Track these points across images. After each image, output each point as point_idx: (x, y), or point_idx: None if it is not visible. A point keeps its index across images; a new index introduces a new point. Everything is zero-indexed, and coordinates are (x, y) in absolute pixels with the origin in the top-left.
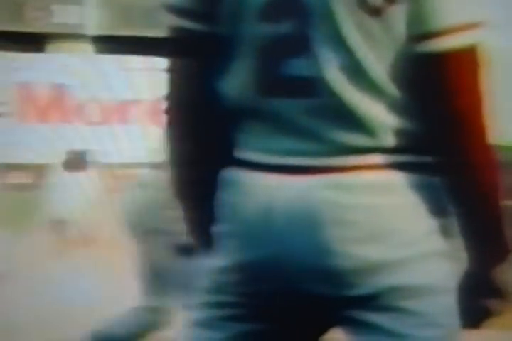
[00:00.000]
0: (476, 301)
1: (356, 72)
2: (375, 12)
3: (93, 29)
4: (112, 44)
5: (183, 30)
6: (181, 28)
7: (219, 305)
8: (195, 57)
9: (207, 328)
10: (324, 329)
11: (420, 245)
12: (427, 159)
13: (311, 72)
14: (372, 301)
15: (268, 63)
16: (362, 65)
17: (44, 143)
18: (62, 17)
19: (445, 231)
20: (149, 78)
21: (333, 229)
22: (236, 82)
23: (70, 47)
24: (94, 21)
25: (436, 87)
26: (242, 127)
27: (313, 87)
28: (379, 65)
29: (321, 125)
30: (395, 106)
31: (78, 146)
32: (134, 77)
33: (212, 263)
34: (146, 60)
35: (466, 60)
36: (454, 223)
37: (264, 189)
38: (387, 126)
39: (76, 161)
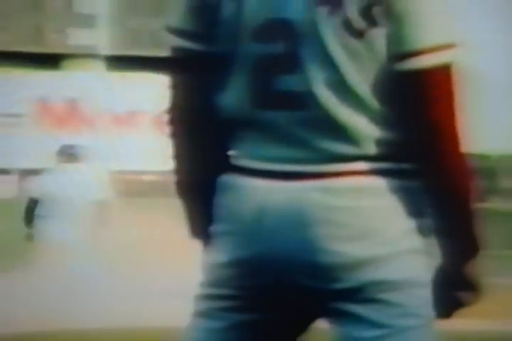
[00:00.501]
0: (449, 293)
1: (342, 87)
2: (359, 34)
3: (104, 49)
4: (121, 62)
5: (183, 49)
6: (182, 47)
7: (217, 297)
8: (195, 73)
9: (207, 318)
10: (312, 320)
11: (399, 243)
12: (406, 166)
13: (301, 87)
14: (356, 294)
15: (261, 79)
16: (347, 81)
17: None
18: (77, 39)
19: (421, 231)
20: (154, 92)
21: (320, 228)
22: (233, 95)
23: (84, 65)
24: (105, 42)
25: (414, 100)
26: (238, 137)
27: (302, 101)
28: (362, 81)
29: (310, 135)
30: (377, 118)
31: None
32: (141, 92)
33: (211, 260)
34: (152, 76)
35: (440, 77)
36: (429, 223)
37: (258, 192)
38: (370, 136)
39: (67, 154)
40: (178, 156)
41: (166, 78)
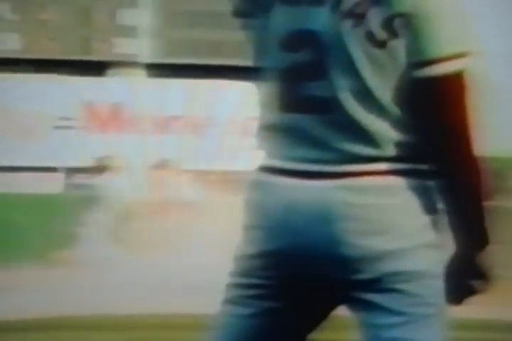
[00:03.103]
0: (461, 281)
1: (364, 93)
2: (381, 44)
3: (146, 58)
4: (161, 70)
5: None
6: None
7: (246, 286)
8: None
9: (236, 305)
10: (333, 308)
11: (415, 237)
12: (423, 166)
13: (326, 93)
14: (375, 284)
15: (289, 85)
16: (369, 88)
17: (104, 150)
18: (121, 48)
19: (435, 226)
20: (191, 97)
21: (342, 223)
22: (263, 101)
23: (127, 72)
24: (146, 51)
25: (430, 105)
26: (268, 138)
27: (327, 106)
28: (383, 87)
29: (334, 137)
30: (396, 122)
31: (133, 153)
32: (179, 97)
33: (241, 251)
34: (189, 82)
35: (455, 84)
36: (442, 219)
37: (286, 190)
38: (390, 138)
39: (100, 166)
40: None
41: (203, 84)
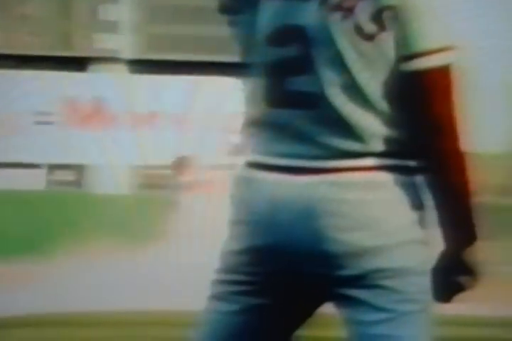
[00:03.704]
0: (450, 278)
1: (352, 88)
2: (369, 37)
3: (127, 53)
4: (142, 66)
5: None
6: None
7: (231, 282)
8: None
9: (221, 301)
10: (318, 305)
11: (401, 234)
12: (410, 162)
13: (312, 87)
14: (360, 280)
15: (276, 81)
16: (357, 82)
17: (84, 146)
18: (102, 43)
19: (421, 222)
20: (172, 93)
21: (326, 219)
22: (252, 95)
23: (108, 68)
24: (128, 47)
25: (417, 99)
26: (253, 133)
27: (314, 101)
28: (372, 82)
29: (320, 132)
30: (384, 118)
31: (117, 149)
32: (160, 93)
33: (226, 247)
34: (170, 79)
35: (441, 77)
36: (429, 215)
37: (270, 185)
38: (376, 134)
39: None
40: None
41: (184, 80)
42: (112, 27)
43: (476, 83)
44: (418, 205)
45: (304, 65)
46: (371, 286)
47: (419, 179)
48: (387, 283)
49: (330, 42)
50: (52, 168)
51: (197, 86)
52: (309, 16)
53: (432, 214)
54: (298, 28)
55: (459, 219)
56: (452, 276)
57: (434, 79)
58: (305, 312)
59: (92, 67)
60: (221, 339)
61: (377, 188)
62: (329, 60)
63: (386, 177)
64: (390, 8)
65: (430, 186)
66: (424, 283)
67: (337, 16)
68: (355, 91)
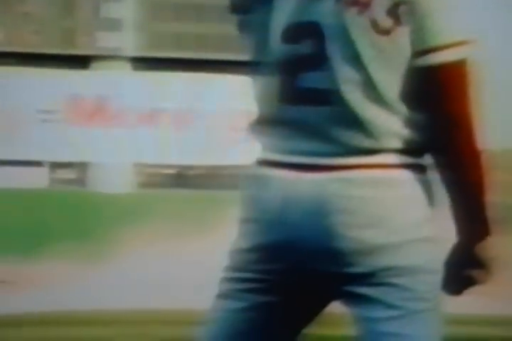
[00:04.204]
0: (462, 272)
1: (366, 85)
2: (385, 32)
3: (130, 51)
4: (145, 63)
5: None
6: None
7: (239, 280)
8: None
9: (229, 299)
10: (327, 303)
11: (411, 231)
12: (421, 160)
13: (326, 84)
14: (369, 278)
15: (288, 78)
16: (372, 78)
17: (88, 144)
18: (105, 41)
19: (431, 220)
20: (176, 90)
21: (337, 216)
22: (263, 93)
23: (111, 65)
24: (131, 45)
25: (433, 95)
26: (264, 132)
27: (326, 97)
28: (387, 78)
29: (331, 129)
30: (398, 115)
31: (120, 147)
32: (164, 91)
33: (236, 245)
34: (173, 76)
35: (457, 72)
36: (438, 213)
37: (281, 183)
38: (388, 131)
39: None
40: None
41: (186, 77)
42: (114, 25)
43: (490, 78)
44: (429, 203)
45: (318, 61)
46: (380, 284)
47: (431, 176)
48: (396, 280)
49: (346, 37)
50: (55, 166)
51: (201, 84)
52: (325, 12)
53: (446, 208)
54: (313, 25)
55: (473, 214)
56: (464, 270)
57: (450, 73)
58: (313, 311)
59: (94, 65)
60: (228, 337)
61: (386, 185)
62: (344, 55)
63: (397, 175)
64: (405, 2)
65: (445, 181)
66: (433, 282)
67: (353, 11)
68: (369, 87)
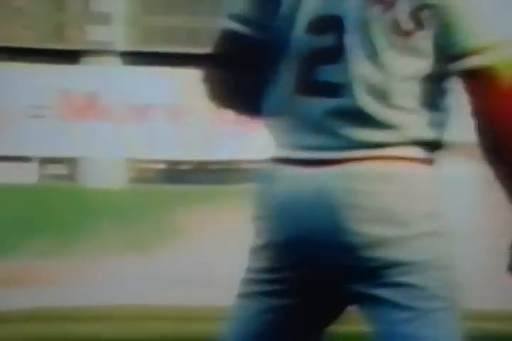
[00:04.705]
0: None
1: (379, 81)
2: (406, 34)
3: (121, 46)
4: (136, 58)
5: (237, 33)
6: (236, 31)
7: (257, 281)
8: (242, 57)
9: (247, 300)
10: (342, 308)
11: (420, 225)
12: (430, 154)
13: (341, 78)
14: (380, 277)
15: (308, 69)
16: (386, 75)
17: (77, 140)
18: (95, 35)
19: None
20: (167, 85)
21: (345, 210)
22: (279, 85)
23: (102, 60)
24: (122, 39)
25: (471, 100)
26: (277, 125)
27: (339, 91)
28: (403, 78)
29: (340, 124)
30: (408, 112)
31: (111, 142)
32: (155, 85)
33: (253, 244)
34: (165, 71)
35: (490, 76)
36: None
37: (291, 179)
38: (399, 126)
39: None
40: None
41: (179, 72)
42: (104, 19)
43: None
44: (438, 197)
45: (336, 54)
46: (392, 284)
47: (437, 169)
48: (407, 279)
49: (366, 33)
50: (45, 161)
51: (192, 79)
52: (350, 7)
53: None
54: (336, 18)
55: None
56: None
57: (480, 79)
58: (329, 314)
59: (85, 60)
60: (248, 337)
61: (395, 179)
62: (362, 51)
63: (405, 169)
64: (429, 6)
65: (499, 176)
66: (445, 278)
67: (378, 9)
68: (382, 84)
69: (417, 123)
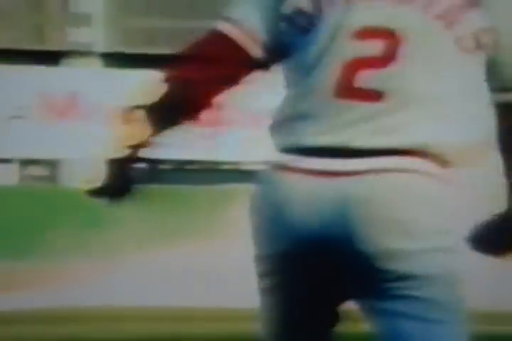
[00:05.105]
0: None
1: (426, 92)
2: (468, 50)
3: (100, 47)
4: (116, 59)
5: (226, 36)
6: (226, 34)
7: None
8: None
9: (267, 293)
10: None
11: (434, 240)
12: (449, 169)
13: (385, 85)
14: (391, 290)
15: (349, 74)
16: (442, 89)
17: (58, 141)
18: (75, 37)
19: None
20: (148, 87)
21: (362, 221)
22: (308, 88)
23: (82, 62)
24: (102, 40)
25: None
26: (285, 130)
27: (380, 97)
28: (451, 92)
29: (373, 130)
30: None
31: (92, 144)
32: (134, 87)
33: (257, 252)
34: (145, 72)
35: None
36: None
37: (307, 187)
38: (422, 138)
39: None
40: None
41: (158, 74)
42: (84, 20)
43: None
44: (454, 211)
45: (384, 62)
46: (403, 297)
47: (458, 186)
48: (418, 293)
49: (426, 46)
50: (26, 162)
51: None
52: (409, 20)
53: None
54: (391, 29)
55: None
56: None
57: None
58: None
59: (65, 61)
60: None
61: (413, 193)
62: (420, 61)
63: (423, 180)
64: (487, 29)
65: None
66: (454, 293)
67: (440, 24)
68: (427, 94)
69: (445, 136)
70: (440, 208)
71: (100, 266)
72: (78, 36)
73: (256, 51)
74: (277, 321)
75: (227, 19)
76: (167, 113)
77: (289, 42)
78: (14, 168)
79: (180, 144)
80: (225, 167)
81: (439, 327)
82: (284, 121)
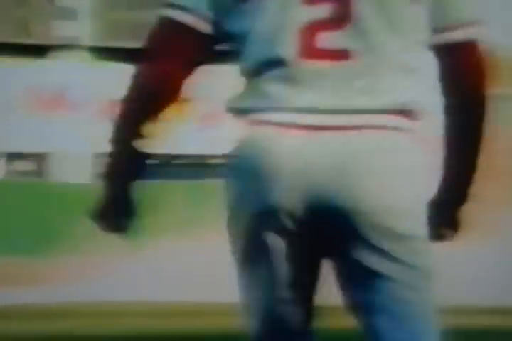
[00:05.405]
0: (437, 227)
1: (382, 46)
2: (416, 1)
3: (87, 40)
4: (102, 53)
5: (177, 21)
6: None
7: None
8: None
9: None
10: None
11: (423, 201)
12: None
13: (345, 44)
14: (380, 248)
15: (309, 37)
16: (404, 44)
17: (45, 135)
18: (61, 30)
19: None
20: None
21: (354, 177)
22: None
23: (69, 55)
24: (87, 34)
25: (447, 73)
26: (275, 91)
27: (343, 56)
28: (402, 49)
29: (344, 87)
30: (411, 78)
31: (79, 138)
32: (121, 80)
33: (232, 211)
34: (131, 67)
35: (471, 50)
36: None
37: (298, 144)
38: (399, 92)
39: None
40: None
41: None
42: (70, 13)
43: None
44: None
45: (340, 22)
46: (390, 257)
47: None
48: (406, 257)
49: (377, 1)
50: (12, 157)
51: None
52: None
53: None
54: None
55: (463, 176)
56: (439, 225)
57: (463, 51)
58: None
59: (51, 55)
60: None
61: (403, 149)
62: (374, 18)
63: (397, 137)
64: None
65: (452, 132)
66: (426, 250)
67: None
68: (396, 50)
69: (411, 90)
70: (422, 165)
71: (92, 262)
72: (65, 30)
73: (207, 28)
74: (258, 294)
75: (173, 6)
76: (139, 108)
77: (239, 14)
78: (1, 162)
79: (170, 138)
80: (215, 161)
81: (420, 293)
82: (253, 92)
